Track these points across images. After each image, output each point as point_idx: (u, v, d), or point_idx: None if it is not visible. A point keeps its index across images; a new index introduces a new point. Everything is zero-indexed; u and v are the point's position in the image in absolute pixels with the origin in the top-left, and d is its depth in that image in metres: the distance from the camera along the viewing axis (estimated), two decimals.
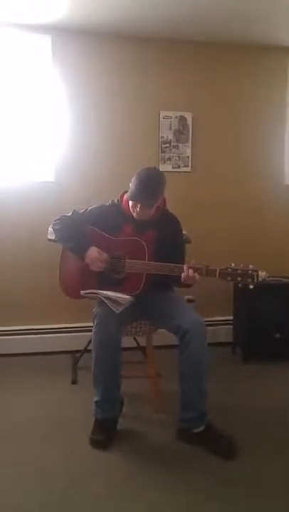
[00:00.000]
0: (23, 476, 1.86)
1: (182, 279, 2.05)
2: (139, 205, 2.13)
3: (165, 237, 2.21)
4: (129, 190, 2.15)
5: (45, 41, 3.03)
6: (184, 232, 2.42)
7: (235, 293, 3.26)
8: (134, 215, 2.18)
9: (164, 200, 2.30)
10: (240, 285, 1.98)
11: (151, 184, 2.11)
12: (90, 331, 2.11)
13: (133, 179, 2.14)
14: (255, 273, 1.96)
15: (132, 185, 2.14)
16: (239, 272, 1.97)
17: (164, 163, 3.25)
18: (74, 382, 2.75)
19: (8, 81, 3.03)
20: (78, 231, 2.23)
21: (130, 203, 2.18)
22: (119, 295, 2.07)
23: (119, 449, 2.04)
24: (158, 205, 2.21)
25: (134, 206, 2.16)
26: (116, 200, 2.31)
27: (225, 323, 3.39)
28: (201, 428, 2.04)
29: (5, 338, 3.15)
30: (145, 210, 2.14)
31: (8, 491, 1.77)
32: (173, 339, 2.12)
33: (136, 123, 3.22)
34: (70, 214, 2.30)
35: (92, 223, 2.26)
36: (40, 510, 1.66)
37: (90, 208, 2.33)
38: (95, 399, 2.12)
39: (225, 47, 3.25)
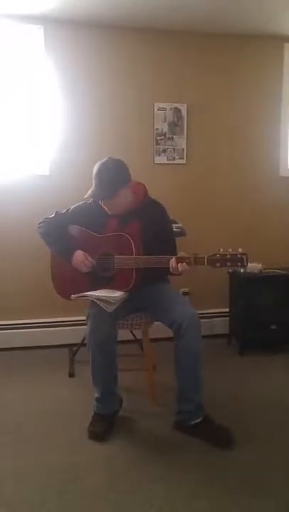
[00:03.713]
0: (22, 469, 1.87)
1: (170, 270, 2.04)
2: (102, 202, 2.12)
3: (150, 226, 2.17)
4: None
5: (38, 32, 2.98)
6: (179, 224, 2.41)
7: (231, 285, 3.27)
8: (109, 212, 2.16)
9: (144, 189, 2.26)
10: (230, 270, 1.96)
11: (100, 177, 2.08)
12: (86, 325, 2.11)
13: None
14: (244, 256, 1.93)
15: None
16: (228, 256, 1.94)
17: (159, 155, 3.24)
18: (71, 375, 2.76)
19: (1, 73, 2.99)
20: (62, 233, 2.22)
21: None
22: (111, 294, 2.05)
23: (118, 441, 2.06)
24: (135, 192, 2.18)
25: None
26: None
27: (221, 314, 3.40)
28: (198, 420, 2.05)
29: (2, 332, 3.15)
30: (110, 203, 2.13)
31: (7, 485, 1.78)
32: (169, 332, 2.13)
33: (130, 115, 3.19)
34: (53, 216, 2.27)
35: (76, 222, 2.24)
36: (40, 503, 1.67)
37: (72, 207, 2.30)
38: (96, 396, 2.14)
39: (219, 36, 3.23)
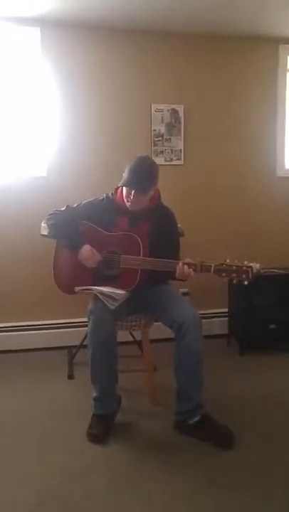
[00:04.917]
0: (21, 470, 1.87)
1: (176, 275, 2.05)
2: (132, 193, 2.11)
3: (159, 229, 2.20)
4: (122, 179, 2.13)
5: (34, 34, 2.99)
6: (178, 225, 2.42)
7: (230, 285, 3.27)
8: (128, 204, 2.16)
9: (158, 193, 2.29)
10: (234, 281, 1.99)
11: (143, 170, 2.10)
12: (86, 326, 2.11)
13: (126, 168, 2.13)
14: (249, 269, 1.96)
15: (124, 174, 2.13)
16: (234, 268, 1.97)
17: (157, 156, 3.23)
18: (70, 377, 2.76)
19: None
20: (72, 227, 2.22)
21: (124, 192, 2.16)
22: (114, 290, 2.06)
23: (117, 443, 2.05)
24: (152, 195, 2.20)
25: (128, 195, 2.14)
26: (110, 194, 2.29)
27: (220, 315, 3.40)
28: (197, 418, 2.05)
29: (1, 334, 3.14)
30: (139, 197, 2.12)
31: (6, 486, 1.78)
32: (169, 332, 2.13)
33: (128, 116, 3.20)
34: (64, 209, 2.28)
35: (86, 218, 2.24)
36: (39, 504, 1.67)
37: (83, 202, 2.31)
38: (94, 395, 2.13)
39: (216, 38, 3.23)
